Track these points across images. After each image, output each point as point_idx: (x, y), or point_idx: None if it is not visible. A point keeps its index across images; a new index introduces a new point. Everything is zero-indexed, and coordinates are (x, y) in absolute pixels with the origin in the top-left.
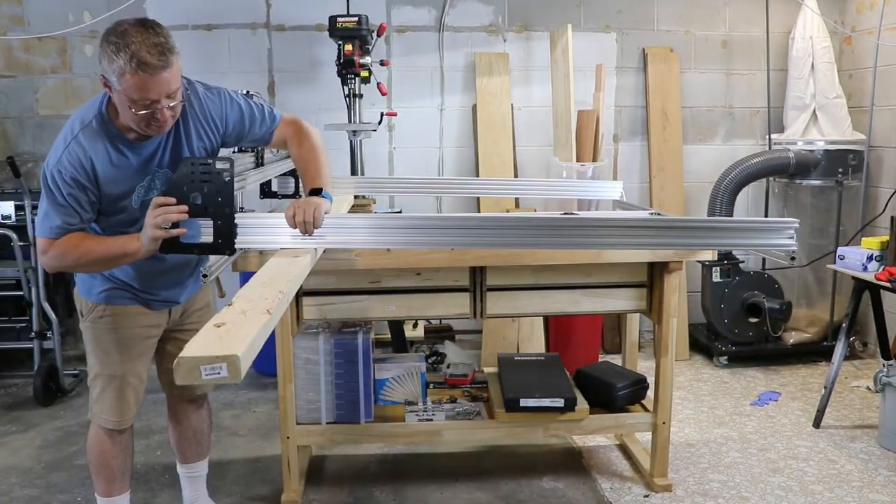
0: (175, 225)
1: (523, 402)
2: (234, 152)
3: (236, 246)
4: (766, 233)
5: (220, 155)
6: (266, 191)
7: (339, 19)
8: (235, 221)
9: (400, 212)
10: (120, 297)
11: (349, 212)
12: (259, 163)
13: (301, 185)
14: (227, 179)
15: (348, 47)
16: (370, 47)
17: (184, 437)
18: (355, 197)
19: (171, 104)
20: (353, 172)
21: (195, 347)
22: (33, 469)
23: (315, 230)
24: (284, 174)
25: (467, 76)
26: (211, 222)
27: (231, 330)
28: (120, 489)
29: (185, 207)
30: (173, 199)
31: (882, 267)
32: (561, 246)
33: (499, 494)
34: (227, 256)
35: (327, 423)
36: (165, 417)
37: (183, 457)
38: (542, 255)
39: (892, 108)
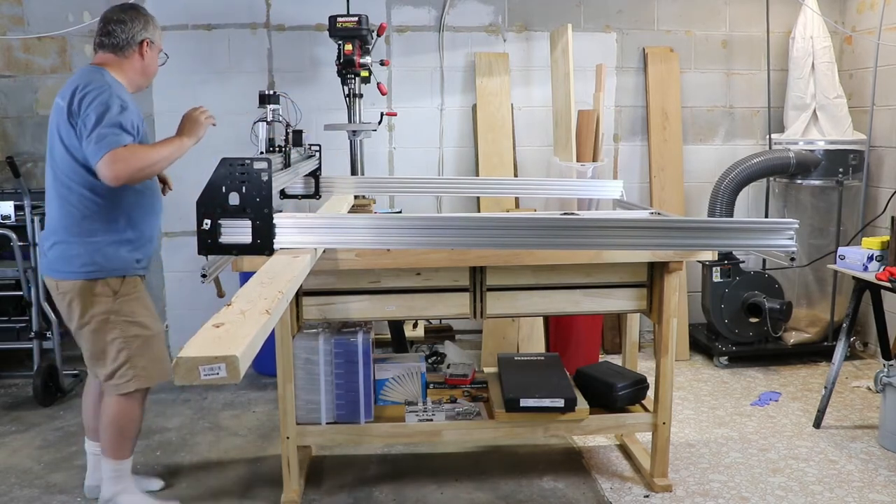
0: None
1: (523, 402)
2: (261, 153)
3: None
4: (765, 233)
5: (255, 155)
6: (285, 193)
7: (339, 19)
8: (274, 221)
9: (400, 212)
10: (138, 268)
11: (349, 212)
12: (287, 163)
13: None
14: (265, 179)
15: (348, 47)
16: (370, 47)
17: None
18: (355, 197)
19: None
20: (353, 172)
21: (194, 348)
22: (33, 469)
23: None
24: (305, 175)
25: (467, 76)
26: (249, 223)
27: (230, 330)
28: (132, 450)
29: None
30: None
31: (882, 267)
32: (561, 246)
33: (499, 494)
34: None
35: (327, 423)
36: (166, 417)
37: (97, 434)
38: (542, 255)
39: (892, 108)
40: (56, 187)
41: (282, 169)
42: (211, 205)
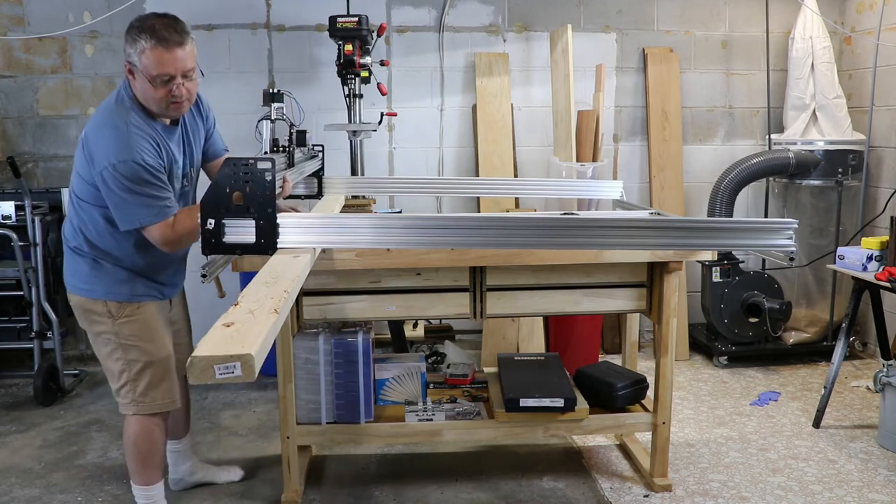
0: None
1: (523, 402)
2: (265, 153)
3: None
4: (764, 233)
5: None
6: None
7: (339, 19)
8: (278, 221)
9: (400, 212)
10: (145, 295)
11: (342, 211)
12: (290, 163)
13: None
14: (269, 179)
15: (348, 47)
16: (370, 47)
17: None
18: (354, 197)
19: (187, 83)
20: (353, 172)
21: (207, 347)
22: (33, 469)
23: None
24: (308, 175)
25: (467, 76)
26: (253, 222)
27: (241, 329)
28: (162, 474)
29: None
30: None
31: (882, 267)
32: (561, 246)
33: (499, 494)
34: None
35: (327, 423)
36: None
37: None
38: (542, 255)
39: (891, 108)
40: (75, 199)
41: (285, 169)
42: (215, 204)
